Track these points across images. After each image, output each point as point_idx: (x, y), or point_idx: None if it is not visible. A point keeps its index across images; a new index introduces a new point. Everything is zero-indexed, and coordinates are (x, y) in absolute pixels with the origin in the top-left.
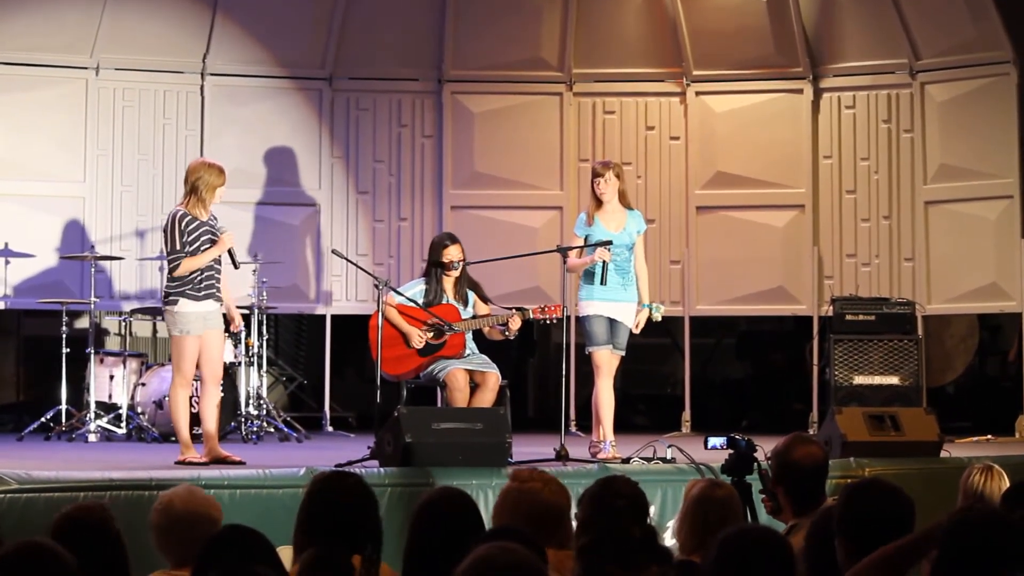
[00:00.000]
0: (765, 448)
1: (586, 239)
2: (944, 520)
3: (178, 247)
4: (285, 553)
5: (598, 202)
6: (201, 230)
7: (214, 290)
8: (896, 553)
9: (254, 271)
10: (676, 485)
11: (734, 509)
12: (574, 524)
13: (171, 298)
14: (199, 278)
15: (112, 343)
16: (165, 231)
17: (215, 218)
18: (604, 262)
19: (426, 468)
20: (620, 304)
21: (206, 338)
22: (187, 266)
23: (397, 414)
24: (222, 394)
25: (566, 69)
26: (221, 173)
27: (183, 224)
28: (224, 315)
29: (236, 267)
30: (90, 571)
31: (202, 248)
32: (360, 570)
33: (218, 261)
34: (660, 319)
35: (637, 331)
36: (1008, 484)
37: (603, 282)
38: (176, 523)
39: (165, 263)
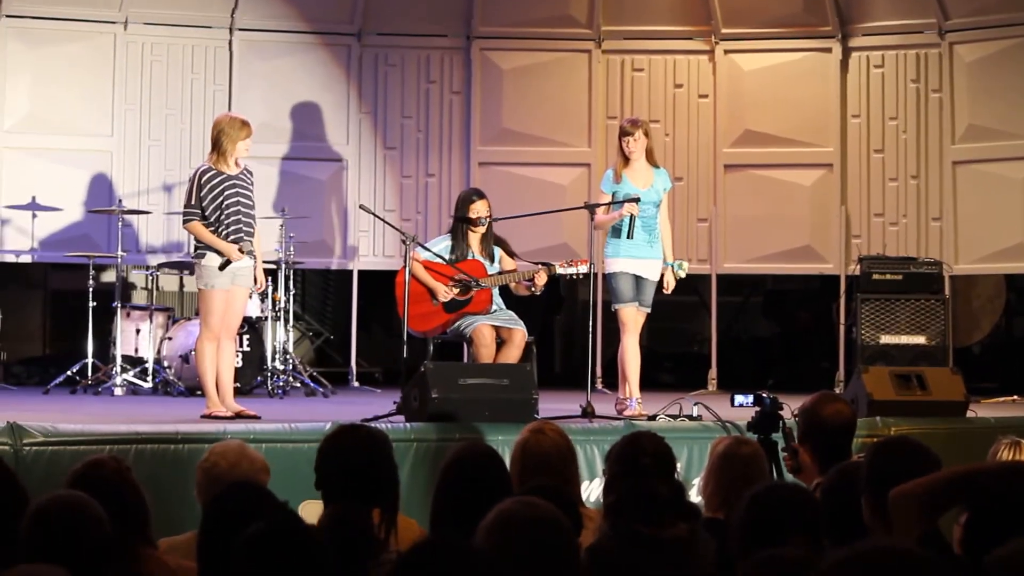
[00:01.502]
0: (791, 406)
1: (613, 196)
2: (984, 470)
3: (192, 202)
4: (311, 507)
5: (625, 160)
6: (226, 184)
7: (243, 243)
8: (944, 487)
9: (281, 226)
10: (702, 442)
11: (759, 466)
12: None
13: (200, 251)
14: (227, 232)
15: (139, 297)
16: (188, 183)
17: (248, 172)
18: (632, 216)
19: (452, 424)
20: (646, 261)
21: (231, 293)
22: (196, 229)
23: (423, 370)
24: (248, 349)
25: (595, 26)
26: (244, 126)
27: (203, 179)
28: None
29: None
30: (112, 523)
31: (227, 202)
32: (379, 523)
33: (249, 215)
34: (684, 276)
35: (668, 291)
36: None
37: (630, 236)
38: (218, 485)
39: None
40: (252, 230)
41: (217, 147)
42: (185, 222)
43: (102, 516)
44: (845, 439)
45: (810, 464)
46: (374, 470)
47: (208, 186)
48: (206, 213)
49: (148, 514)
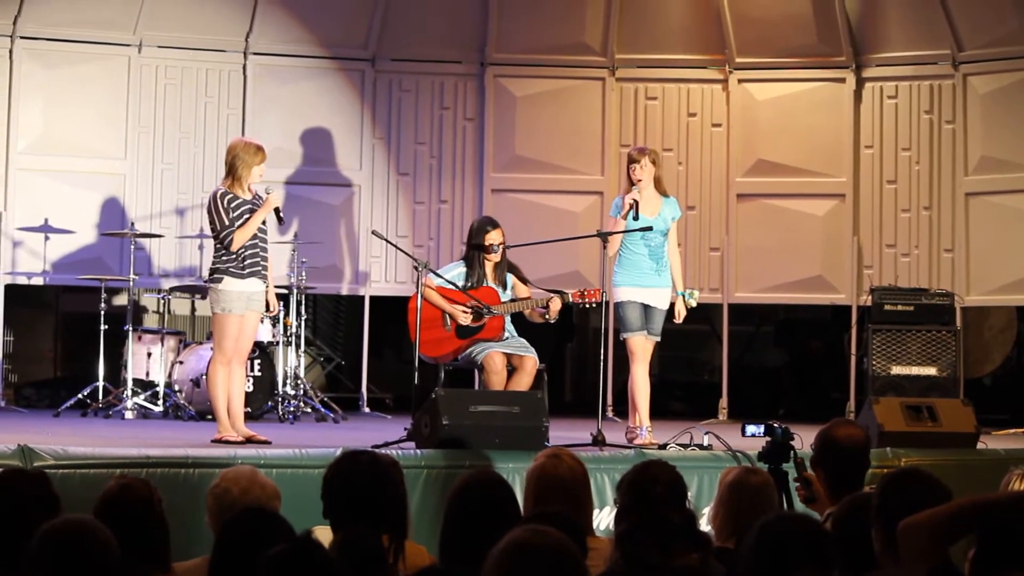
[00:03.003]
0: (802, 436)
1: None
2: (992, 501)
3: (226, 222)
4: (321, 533)
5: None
6: (243, 208)
7: (259, 268)
8: (953, 517)
9: (293, 250)
10: (712, 472)
11: (769, 496)
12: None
13: (215, 276)
14: (243, 255)
15: (150, 320)
16: (209, 211)
17: (259, 197)
18: (635, 202)
19: (462, 451)
20: (654, 290)
21: (244, 317)
22: (239, 239)
23: (435, 396)
24: (259, 373)
25: (609, 54)
26: (259, 151)
27: (225, 201)
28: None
29: (281, 222)
30: (134, 548)
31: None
32: (387, 549)
33: (264, 240)
34: (695, 305)
35: (679, 320)
36: None
37: (636, 218)
38: (230, 511)
39: (213, 242)
40: (266, 255)
41: (232, 172)
42: (228, 243)
43: (109, 541)
44: (858, 465)
45: (823, 494)
46: (378, 496)
47: (231, 207)
48: None
49: (168, 542)
